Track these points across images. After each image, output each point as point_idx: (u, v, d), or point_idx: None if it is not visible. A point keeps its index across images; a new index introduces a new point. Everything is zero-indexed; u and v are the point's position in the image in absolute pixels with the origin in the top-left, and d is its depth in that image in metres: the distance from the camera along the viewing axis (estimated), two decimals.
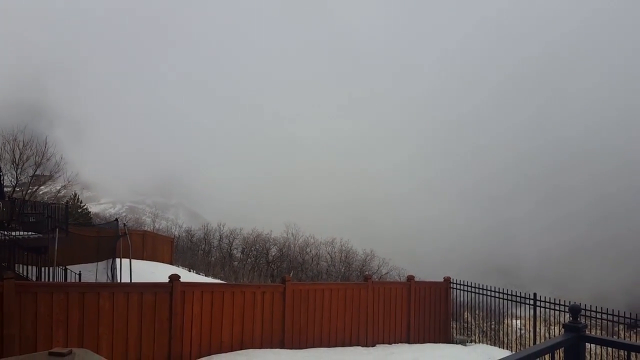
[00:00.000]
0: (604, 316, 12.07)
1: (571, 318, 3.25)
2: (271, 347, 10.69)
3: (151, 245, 26.84)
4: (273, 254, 37.07)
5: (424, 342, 13.33)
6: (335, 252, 36.41)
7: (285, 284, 11.15)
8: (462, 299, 14.47)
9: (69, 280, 13.24)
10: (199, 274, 26.39)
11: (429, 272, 26.40)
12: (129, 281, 14.14)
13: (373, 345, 12.41)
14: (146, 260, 23.91)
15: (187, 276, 21.71)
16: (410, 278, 13.75)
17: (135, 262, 16.76)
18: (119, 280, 14.47)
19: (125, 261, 15.27)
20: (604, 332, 14.11)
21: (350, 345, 12.05)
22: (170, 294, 9.44)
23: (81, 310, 8.51)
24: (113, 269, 15.08)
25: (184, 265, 29.03)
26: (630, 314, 12.24)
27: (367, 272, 29.80)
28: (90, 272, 14.91)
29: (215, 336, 10.06)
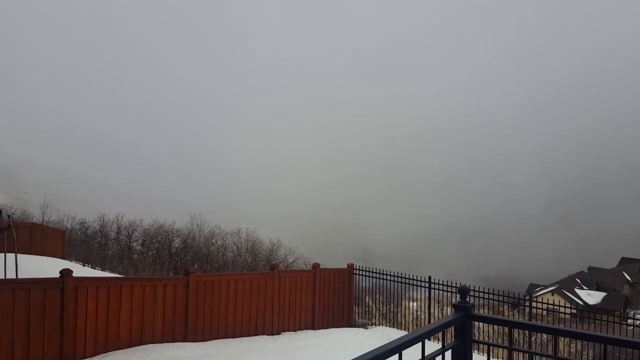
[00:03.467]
0: (491, 296, 13.22)
1: (460, 298, 3.39)
2: (173, 341, 10.39)
3: (40, 238, 24.79)
4: (176, 245, 35.85)
5: (328, 327, 13.70)
6: (241, 242, 36.06)
7: (188, 276, 10.87)
8: (364, 284, 15.07)
9: None
10: (95, 269, 24.87)
11: (330, 260, 27.16)
12: (14, 277, 12.97)
13: (279, 334, 12.51)
14: (34, 254, 22.09)
15: (81, 271, 20.39)
16: (316, 266, 14.03)
17: (22, 257, 15.40)
18: (3, 277, 13.22)
19: (10, 256, 14.00)
20: (490, 311, 15.38)
21: (256, 334, 12.05)
22: (61, 289, 8.81)
23: None
24: None
25: (77, 260, 27.15)
26: (514, 294, 13.51)
27: (273, 262, 29.92)
28: None
29: (112, 332, 9.56)
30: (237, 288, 11.81)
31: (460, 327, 3.26)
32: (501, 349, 9.16)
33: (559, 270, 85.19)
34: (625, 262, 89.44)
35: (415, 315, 15.11)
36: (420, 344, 2.83)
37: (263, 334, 12.20)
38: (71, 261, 25.37)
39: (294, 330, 13.00)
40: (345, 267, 14.85)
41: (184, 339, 10.66)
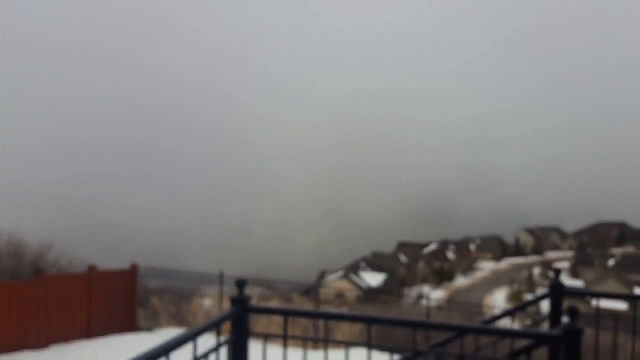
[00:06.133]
0: (281, 285, 13.64)
1: (238, 292, 3.28)
2: None
3: None
4: None
5: (107, 334, 12.49)
6: (2, 246, 30.71)
7: None
8: (153, 284, 14.19)
9: None
10: None
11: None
12: None
13: (47, 347, 11.01)
14: None
15: None
16: (92, 268, 12.65)
17: None
18: None
19: None
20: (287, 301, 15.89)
21: (19, 350, 10.49)
22: None
23: None
24: None
25: None
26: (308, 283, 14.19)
27: (42, 266, 26.21)
28: None
29: None
30: None
31: (238, 322, 3.19)
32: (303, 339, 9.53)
33: (347, 257, 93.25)
34: (402, 245, 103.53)
35: (208, 313, 14.78)
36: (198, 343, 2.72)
37: (26, 349, 10.60)
38: None
39: (66, 342, 11.54)
40: (129, 267, 13.74)
41: None
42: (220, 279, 14.04)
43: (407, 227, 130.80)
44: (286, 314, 3.47)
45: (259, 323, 12.50)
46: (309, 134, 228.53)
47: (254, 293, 15.66)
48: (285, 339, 3.42)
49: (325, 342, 3.33)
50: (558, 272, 5.21)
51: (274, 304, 15.47)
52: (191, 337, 2.68)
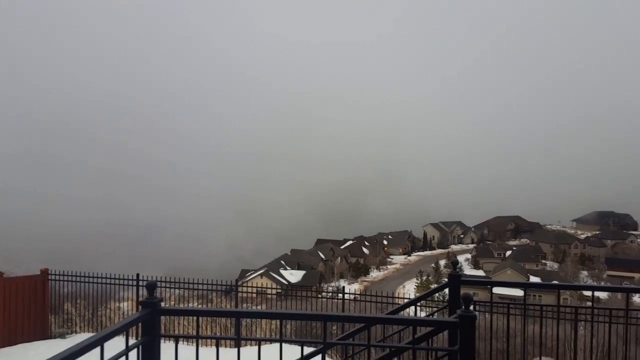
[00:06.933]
0: (201, 286, 13.62)
1: (148, 294, 3.28)
2: None
3: None
4: None
5: (16, 343, 11.89)
6: None
7: None
8: (66, 289, 13.62)
9: None
10: None
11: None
12: None
13: None
14: None
15: None
16: None
17: None
18: None
19: None
20: (202, 300, 15.85)
21: None
22: None
23: None
24: None
25: None
26: (227, 281, 14.23)
27: None
28: None
29: None
30: None
31: (148, 324, 3.16)
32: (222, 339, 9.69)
33: (265, 256, 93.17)
34: (320, 242, 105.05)
35: (125, 317, 14.44)
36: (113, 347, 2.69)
37: None
38: None
39: None
40: (39, 272, 13.13)
41: None
42: (137, 282, 13.78)
43: (324, 225, 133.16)
44: (197, 314, 3.56)
45: (190, 324, 12.53)
46: (219, 130, 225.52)
47: (172, 295, 15.54)
48: (197, 339, 3.40)
49: (237, 340, 3.33)
50: (455, 263, 5.90)
51: (194, 305, 15.43)
52: (98, 341, 2.62)
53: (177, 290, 14.23)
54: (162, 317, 3.27)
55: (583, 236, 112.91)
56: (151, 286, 3.27)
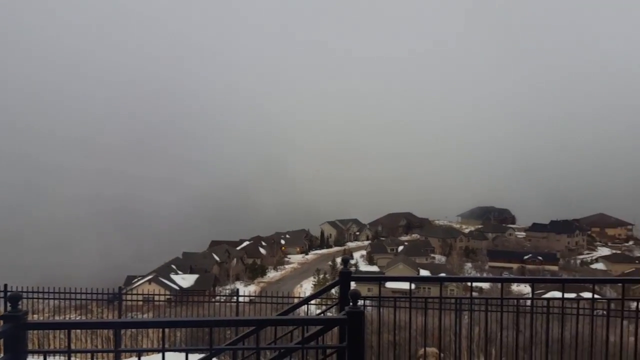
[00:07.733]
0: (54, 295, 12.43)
1: (11, 307, 3.02)
2: None
3: None
4: None
5: None
6: None
7: None
8: None
9: None
10: None
11: None
12: None
13: None
14: None
15: None
16: None
17: None
18: None
19: None
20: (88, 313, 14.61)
21: None
22: None
23: None
24: None
25: None
26: (111, 289, 13.21)
27: None
28: None
29: None
30: None
31: (11, 340, 2.94)
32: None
33: (155, 261, 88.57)
34: (214, 244, 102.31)
35: None
36: None
37: None
38: None
39: None
40: None
41: None
42: (5, 293, 12.37)
43: (216, 226, 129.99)
44: (68, 327, 3.39)
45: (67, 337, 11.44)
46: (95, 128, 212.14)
47: (46, 307, 14.19)
48: (68, 354, 3.22)
49: (115, 352, 3.22)
50: (346, 260, 5.99)
51: (72, 316, 14.21)
52: None
53: (53, 302, 12.98)
54: (35, 332, 2.96)
55: (467, 230, 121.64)
56: (14, 298, 3.02)
